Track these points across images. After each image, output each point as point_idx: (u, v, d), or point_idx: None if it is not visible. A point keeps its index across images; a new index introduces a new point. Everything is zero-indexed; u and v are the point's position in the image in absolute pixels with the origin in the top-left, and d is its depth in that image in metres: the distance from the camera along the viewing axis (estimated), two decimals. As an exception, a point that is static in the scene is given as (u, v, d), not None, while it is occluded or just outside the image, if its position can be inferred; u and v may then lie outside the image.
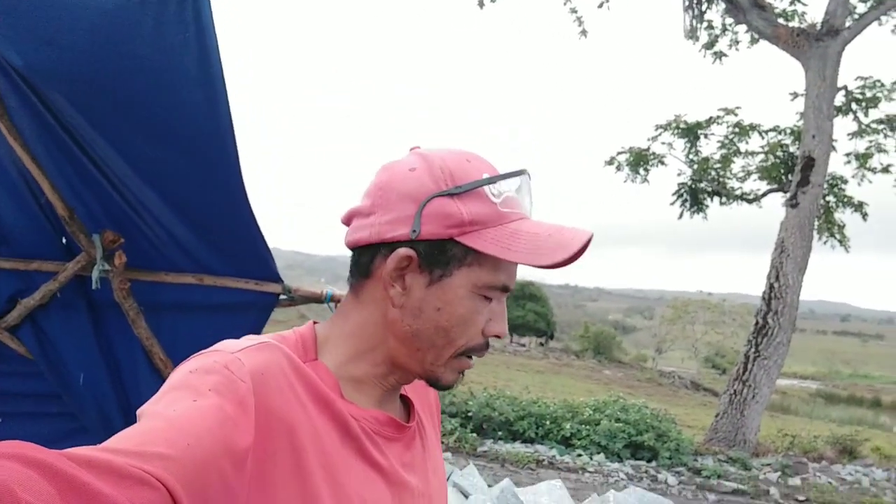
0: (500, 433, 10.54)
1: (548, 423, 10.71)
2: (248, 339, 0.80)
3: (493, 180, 0.84)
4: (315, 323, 0.91)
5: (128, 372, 2.32)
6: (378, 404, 0.88)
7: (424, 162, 0.85)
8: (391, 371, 0.88)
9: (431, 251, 0.82)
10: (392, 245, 0.83)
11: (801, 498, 9.25)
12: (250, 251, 2.12)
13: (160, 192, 1.93)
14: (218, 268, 2.21)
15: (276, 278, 2.25)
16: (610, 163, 16.82)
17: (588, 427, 10.63)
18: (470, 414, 10.54)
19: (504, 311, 0.85)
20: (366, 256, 0.86)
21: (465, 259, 0.82)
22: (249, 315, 2.35)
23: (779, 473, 10.34)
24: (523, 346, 37.22)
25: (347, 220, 0.89)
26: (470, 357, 0.85)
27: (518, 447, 10.23)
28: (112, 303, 2.18)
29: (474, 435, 10.14)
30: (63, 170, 1.93)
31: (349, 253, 0.89)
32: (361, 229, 0.86)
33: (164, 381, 2.56)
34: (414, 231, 0.82)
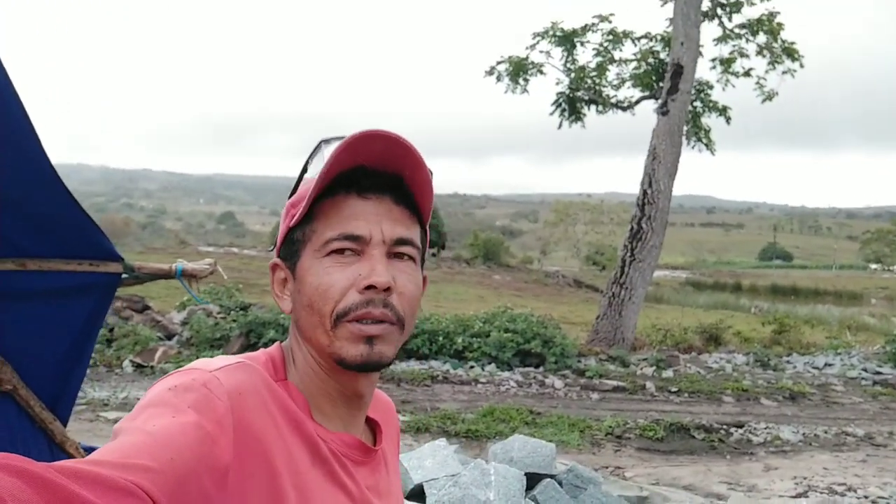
0: (394, 353, 10.64)
1: (441, 338, 10.93)
2: (225, 359, 0.81)
3: (305, 167, 0.88)
4: (282, 343, 0.91)
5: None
6: (345, 427, 0.88)
7: None
8: (328, 374, 0.85)
9: (285, 250, 0.87)
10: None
11: (674, 389, 10.05)
12: (73, 230, 1.88)
13: None
14: (41, 250, 1.95)
15: (115, 257, 2.01)
16: (490, 73, 16.67)
17: (479, 339, 10.95)
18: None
19: (375, 260, 0.81)
20: None
21: (305, 235, 0.84)
22: (92, 296, 2.13)
23: (654, 368, 11.15)
24: (415, 258, 37.31)
25: None
26: (359, 321, 0.80)
27: (413, 364, 10.42)
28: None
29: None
30: None
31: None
32: None
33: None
34: (274, 244, 0.90)
